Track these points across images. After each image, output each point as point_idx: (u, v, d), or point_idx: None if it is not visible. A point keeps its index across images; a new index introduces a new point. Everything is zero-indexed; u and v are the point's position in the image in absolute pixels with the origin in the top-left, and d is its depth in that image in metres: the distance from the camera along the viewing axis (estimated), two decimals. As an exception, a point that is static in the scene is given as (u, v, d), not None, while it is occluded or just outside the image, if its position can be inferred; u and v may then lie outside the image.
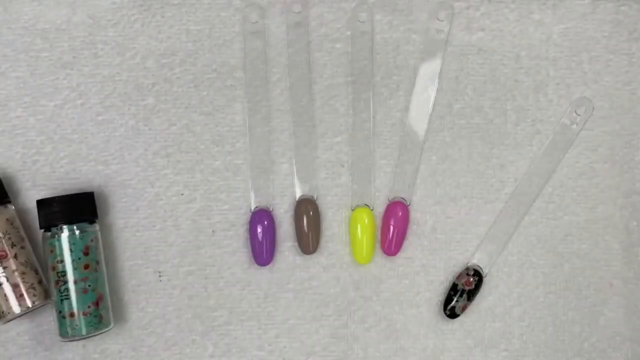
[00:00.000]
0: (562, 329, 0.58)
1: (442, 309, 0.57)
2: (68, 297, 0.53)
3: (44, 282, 0.54)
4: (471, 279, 0.57)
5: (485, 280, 0.58)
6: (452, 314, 0.57)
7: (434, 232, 0.58)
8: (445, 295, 0.57)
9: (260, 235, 0.57)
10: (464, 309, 0.57)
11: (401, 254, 0.58)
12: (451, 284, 0.57)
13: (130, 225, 0.58)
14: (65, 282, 0.53)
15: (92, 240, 0.54)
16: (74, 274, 0.53)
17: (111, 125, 0.58)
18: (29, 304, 0.53)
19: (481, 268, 0.57)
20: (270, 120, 0.58)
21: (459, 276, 0.57)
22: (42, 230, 0.54)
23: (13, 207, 0.56)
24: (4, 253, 0.53)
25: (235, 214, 0.58)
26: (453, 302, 0.57)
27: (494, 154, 0.59)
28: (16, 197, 0.57)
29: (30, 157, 0.57)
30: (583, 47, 0.59)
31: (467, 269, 0.57)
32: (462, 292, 0.57)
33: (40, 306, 0.54)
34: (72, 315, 0.53)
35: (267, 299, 0.58)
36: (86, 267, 0.53)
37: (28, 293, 0.53)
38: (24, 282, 0.53)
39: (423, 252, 0.58)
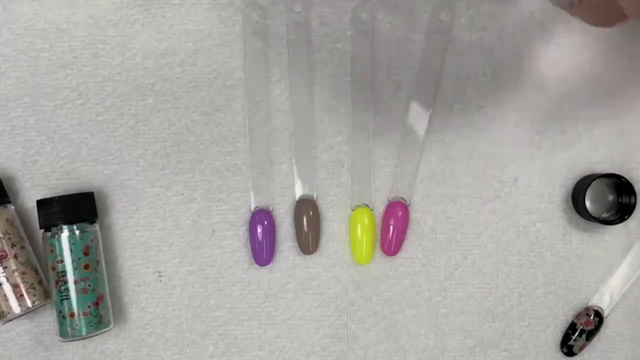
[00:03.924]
0: (562, 329, 0.58)
1: (559, 347, 0.58)
2: (68, 297, 0.53)
3: (44, 282, 0.54)
4: (591, 319, 0.57)
5: (485, 280, 0.58)
6: (569, 353, 0.57)
7: (434, 232, 0.58)
8: (563, 333, 0.58)
9: (260, 235, 0.57)
10: (582, 348, 0.57)
11: (401, 254, 0.58)
12: (569, 323, 0.58)
13: (130, 225, 0.58)
14: (65, 282, 0.53)
15: (92, 240, 0.54)
16: (74, 274, 0.53)
17: (111, 125, 0.58)
18: (29, 304, 0.53)
19: (602, 309, 0.57)
20: (270, 120, 0.58)
21: (578, 316, 0.57)
22: (42, 230, 0.54)
23: (13, 207, 0.56)
24: (4, 253, 0.53)
25: (235, 214, 0.58)
26: (571, 341, 0.57)
27: (494, 154, 0.59)
28: (16, 197, 0.57)
29: (30, 157, 0.57)
30: (583, 47, 0.59)
31: (588, 309, 0.57)
32: (581, 332, 0.57)
33: (40, 306, 0.54)
34: (72, 315, 0.53)
35: (267, 299, 0.58)
36: (86, 267, 0.53)
37: (28, 293, 0.53)
38: (24, 282, 0.53)
39: (423, 252, 0.58)
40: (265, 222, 0.57)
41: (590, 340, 0.57)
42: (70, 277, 0.53)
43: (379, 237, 0.58)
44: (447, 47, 0.59)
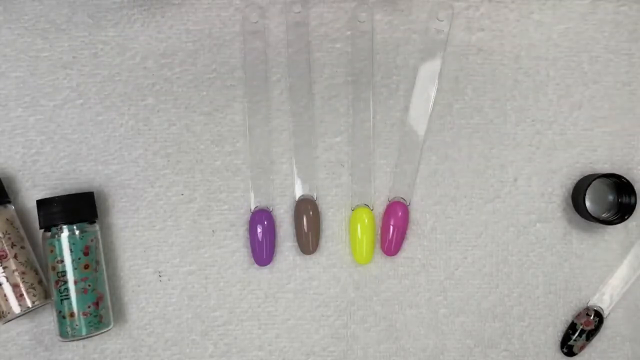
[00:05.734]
0: (562, 329, 0.58)
1: (559, 348, 0.58)
2: (68, 297, 0.53)
3: (44, 282, 0.54)
4: (591, 319, 0.57)
5: (485, 280, 0.58)
6: (569, 353, 0.57)
7: (434, 232, 0.58)
8: (563, 333, 0.58)
9: (260, 235, 0.57)
10: (582, 348, 0.57)
11: (401, 254, 0.58)
12: (569, 323, 0.58)
13: (130, 225, 0.58)
14: (65, 282, 0.52)
15: (92, 240, 0.54)
16: (74, 274, 0.53)
17: (111, 125, 0.58)
18: (29, 304, 0.53)
19: (602, 309, 0.57)
20: (270, 120, 0.58)
21: (578, 316, 0.57)
22: (42, 230, 0.54)
23: (13, 207, 0.56)
24: (4, 253, 0.53)
25: (235, 214, 0.58)
26: (571, 341, 0.57)
27: (494, 154, 0.59)
28: (16, 197, 0.57)
29: (30, 157, 0.57)
30: (583, 47, 0.59)
31: (588, 309, 0.57)
32: (581, 332, 0.57)
33: (40, 306, 0.54)
34: (72, 315, 0.53)
35: (267, 299, 0.58)
36: (86, 267, 0.53)
37: (28, 293, 0.53)
38: (24, 282, 0.53)
39: (423, 252, 0.58)
40: (265, 222, 0.57)
41: (590, 340, 0.57)
42: (70, 277, 0.53)
43: (379, 237, 0.58)
44: (446, 47, 0.59)
